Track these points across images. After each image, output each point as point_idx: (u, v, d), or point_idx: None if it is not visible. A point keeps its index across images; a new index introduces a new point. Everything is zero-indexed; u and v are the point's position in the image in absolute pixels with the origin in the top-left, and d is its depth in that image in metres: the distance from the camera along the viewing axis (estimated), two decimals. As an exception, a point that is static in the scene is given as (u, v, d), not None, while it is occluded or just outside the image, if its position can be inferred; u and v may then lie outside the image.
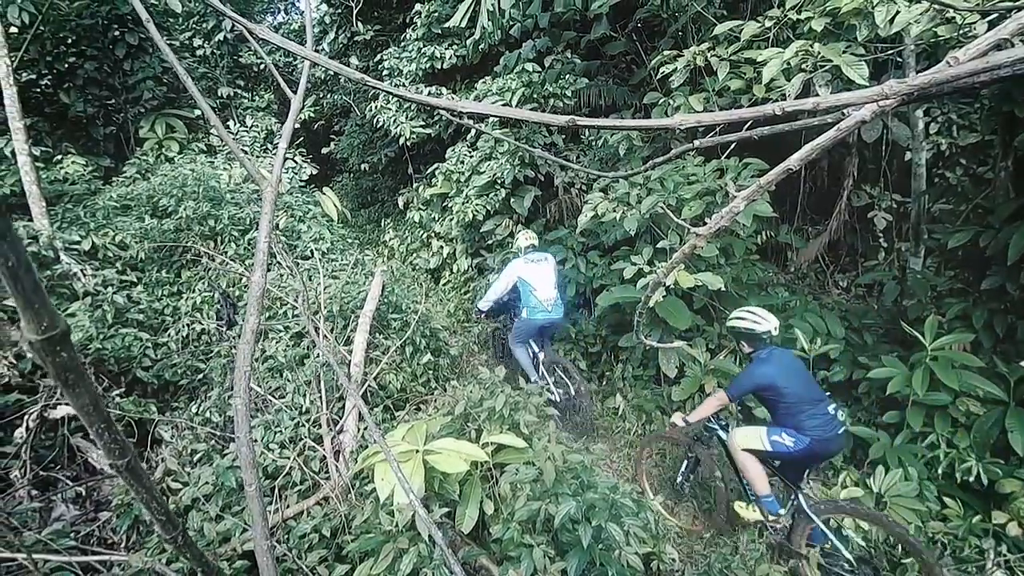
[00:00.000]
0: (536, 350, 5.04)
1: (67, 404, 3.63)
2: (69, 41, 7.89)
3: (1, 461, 3.43)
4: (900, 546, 3.20)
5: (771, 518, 3.40)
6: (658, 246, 4.86)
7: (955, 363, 3.91)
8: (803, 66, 3.34)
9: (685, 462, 3.97)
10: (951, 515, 3.61)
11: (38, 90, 7.83)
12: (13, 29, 6.95)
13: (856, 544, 3.17)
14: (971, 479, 3.63)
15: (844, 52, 3.30)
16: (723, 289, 4.60)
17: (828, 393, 3.48)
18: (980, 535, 3.46)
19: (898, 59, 4.94)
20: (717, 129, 1.35)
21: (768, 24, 3.71)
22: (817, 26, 3.39)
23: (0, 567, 2.59)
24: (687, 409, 4.22)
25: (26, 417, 3.50)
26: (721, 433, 3.61)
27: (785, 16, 3.64)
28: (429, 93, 9.03)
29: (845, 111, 0.80)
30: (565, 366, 4.93)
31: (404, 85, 9.22)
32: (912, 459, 3.85)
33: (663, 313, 4.70)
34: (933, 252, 5.49)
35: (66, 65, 7.86)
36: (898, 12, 2.88)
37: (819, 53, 3.24)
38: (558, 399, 4.83)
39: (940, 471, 3.79)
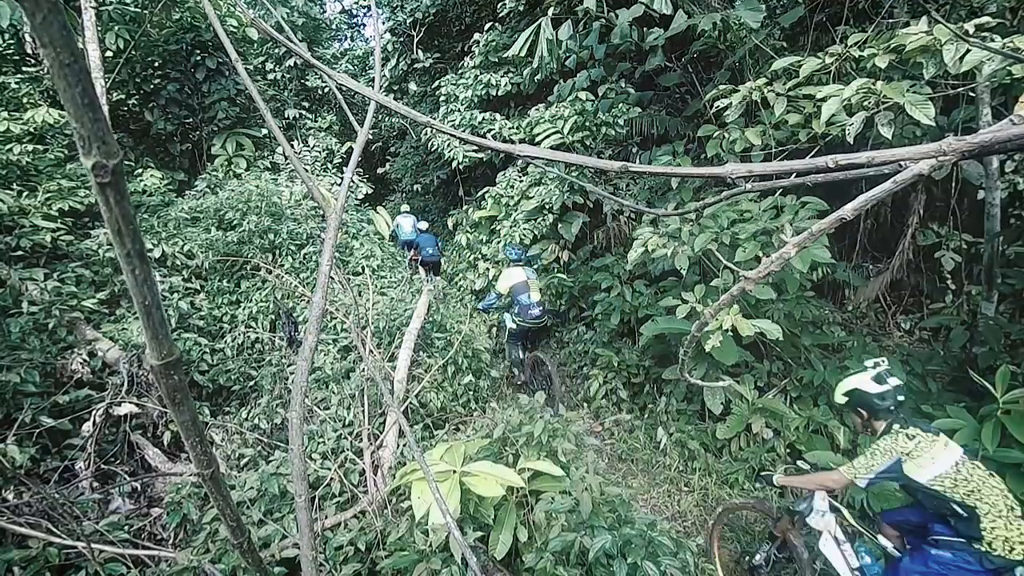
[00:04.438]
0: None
1: (130, 403, 3.86)
2: (156, 64, 8.59)
3: (68, 453, 3.67)
4: None
5: None
6: (711, 284, 4.76)
7: (1030, 419, 3.62)
8: (865, 103, 3.24)
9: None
10: (1023, 585, 3.30)
11: (125, 108, 8.54)
12: (109, 53, 7.64)
13: None
14: (1048, 547, 3.32)
15: (909, 90, 3.18)
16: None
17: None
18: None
19: (971, 94, 4.72)
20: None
21: (828, 61, 3.63)
22: (881, 63, 3.29)
23: (60, 553, 2.77)
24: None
25: (94, 412, 3.73)
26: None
27: (847, 52, 3.55)
28: (483, 120, 9.29)
29: (902, 163, 0.79)
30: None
31: (459, 111, 9.51)
32: (979, 520, 3.57)
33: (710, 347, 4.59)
34: (1007, 298, 5.16)
35: (152, 86, 8.54)
36: (968, 51, 2.77)
37: (882, 92, 3.14)
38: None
39: (1012, 536, 3.49)
